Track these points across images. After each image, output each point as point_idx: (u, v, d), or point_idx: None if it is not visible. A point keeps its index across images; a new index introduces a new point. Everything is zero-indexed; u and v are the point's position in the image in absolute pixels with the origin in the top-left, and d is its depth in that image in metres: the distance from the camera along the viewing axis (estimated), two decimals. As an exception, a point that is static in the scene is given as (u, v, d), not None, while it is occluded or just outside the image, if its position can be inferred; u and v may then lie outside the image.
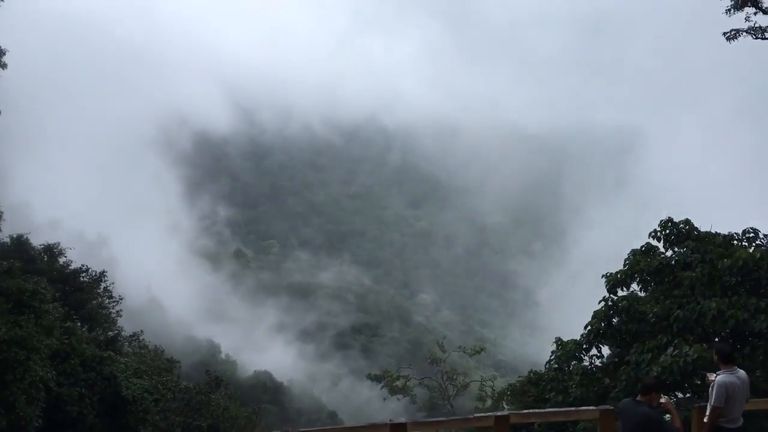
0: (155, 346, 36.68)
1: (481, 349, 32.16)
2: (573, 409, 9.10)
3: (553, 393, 19.20)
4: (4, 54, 21.03)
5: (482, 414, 7.98)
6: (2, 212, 23.27)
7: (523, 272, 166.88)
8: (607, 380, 19.27)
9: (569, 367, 20.03)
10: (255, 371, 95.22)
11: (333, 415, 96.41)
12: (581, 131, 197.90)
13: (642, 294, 19.51)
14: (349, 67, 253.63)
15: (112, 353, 24.38)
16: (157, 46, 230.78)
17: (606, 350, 20.96)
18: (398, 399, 33.46)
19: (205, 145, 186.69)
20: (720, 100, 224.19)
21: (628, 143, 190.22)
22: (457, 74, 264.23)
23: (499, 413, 7.67)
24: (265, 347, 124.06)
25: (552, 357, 20.42)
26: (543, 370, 26.93)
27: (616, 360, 19.55)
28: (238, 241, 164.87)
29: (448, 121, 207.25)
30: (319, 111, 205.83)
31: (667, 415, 9.07)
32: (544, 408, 21.38)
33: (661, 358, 15.12)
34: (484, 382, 31.37)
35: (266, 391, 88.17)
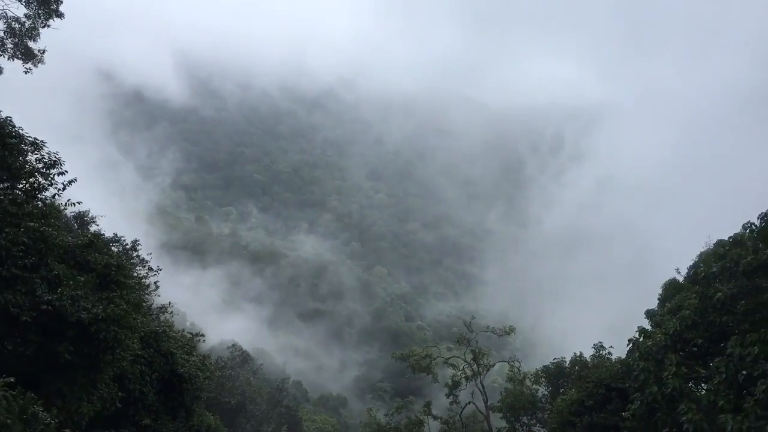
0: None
1: (511, 330, 32.15)
2: None
3: (638, 383, 19.34)
4: None
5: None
6: None
7: (479, 247, 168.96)
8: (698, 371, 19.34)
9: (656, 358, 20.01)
10: (221, 340, 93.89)
11: (298, 385, 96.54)
12: (543, 106, 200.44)
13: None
14: (312, 37, 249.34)
15: (166, 328, 23.37)
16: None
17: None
18: (422, 376, 33.31)
19: (159, 111, 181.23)
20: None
21: (591, 118, 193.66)
22: (422, 47, 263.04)
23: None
24: (225, 316, 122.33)
25: (635, 346, 20.44)
26: (586, 355, 27.13)
27: (696, 349, 19.79)
28: (195, 208, 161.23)
29: (413, 94, 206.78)
30: (279, 80, 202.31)
31: None
32: (611, 394, 21.54)
33: (787, 355, 15.32)
34: (512, 363, 31.51)
35: (234, 360, 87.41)
